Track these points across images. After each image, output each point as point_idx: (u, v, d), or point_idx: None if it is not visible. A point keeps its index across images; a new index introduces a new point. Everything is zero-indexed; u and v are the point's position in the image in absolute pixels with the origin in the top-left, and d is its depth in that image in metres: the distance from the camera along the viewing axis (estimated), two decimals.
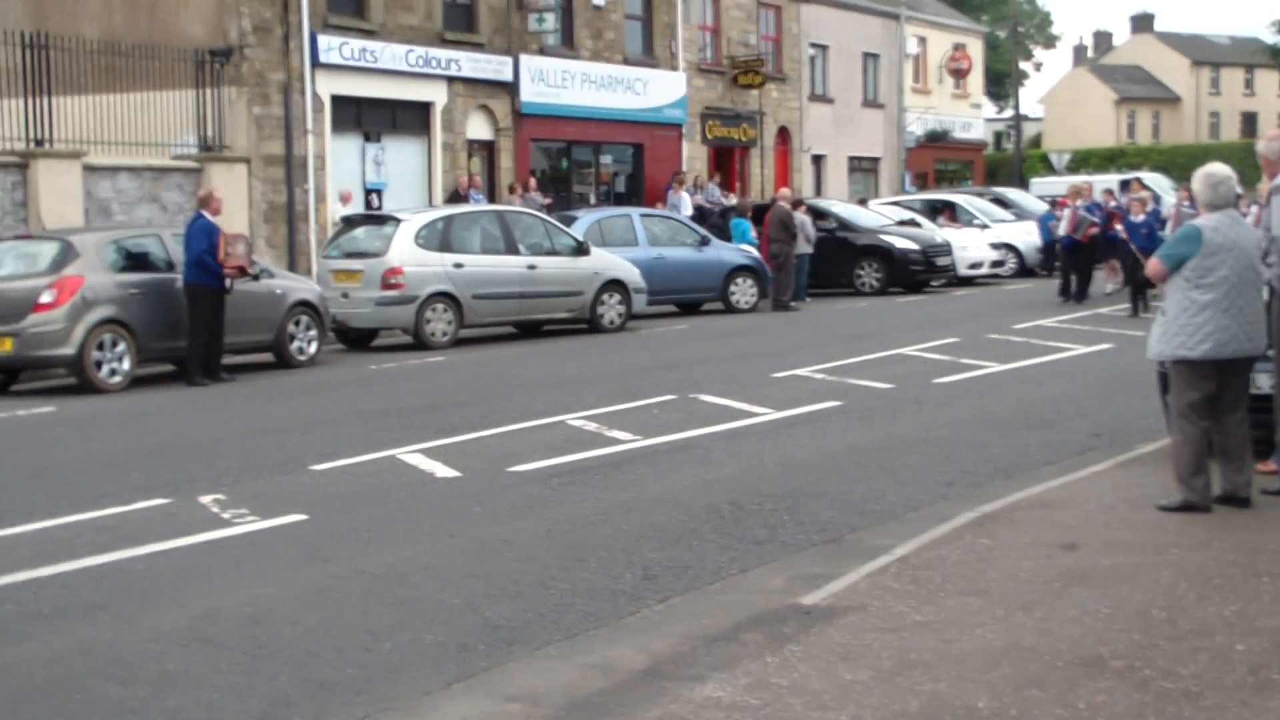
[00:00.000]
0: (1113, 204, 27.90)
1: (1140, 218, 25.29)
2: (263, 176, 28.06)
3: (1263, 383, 10.02)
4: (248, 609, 8.11)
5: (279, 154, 28.51)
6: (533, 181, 33.47)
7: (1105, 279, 28.93)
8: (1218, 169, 9.47)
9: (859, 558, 8.80)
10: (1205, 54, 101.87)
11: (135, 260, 18.88)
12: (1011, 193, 42.67)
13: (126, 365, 18.12)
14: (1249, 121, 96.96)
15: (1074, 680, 6.29)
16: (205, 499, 11.05)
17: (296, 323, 20.41)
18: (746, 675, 6.66)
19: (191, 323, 18.47)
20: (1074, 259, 27.80)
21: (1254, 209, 13.88)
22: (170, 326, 18.61)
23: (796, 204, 30.62)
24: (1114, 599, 7.45)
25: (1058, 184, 36.46)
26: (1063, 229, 27.96)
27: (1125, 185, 31.46)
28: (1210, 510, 9.22)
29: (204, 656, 7.32)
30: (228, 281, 18.66)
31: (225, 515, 10.48)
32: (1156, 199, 30.59)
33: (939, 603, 7.63)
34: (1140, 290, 24.16)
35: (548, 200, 32.69)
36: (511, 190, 32.29)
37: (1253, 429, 9.65)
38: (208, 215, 18.72)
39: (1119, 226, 25.98)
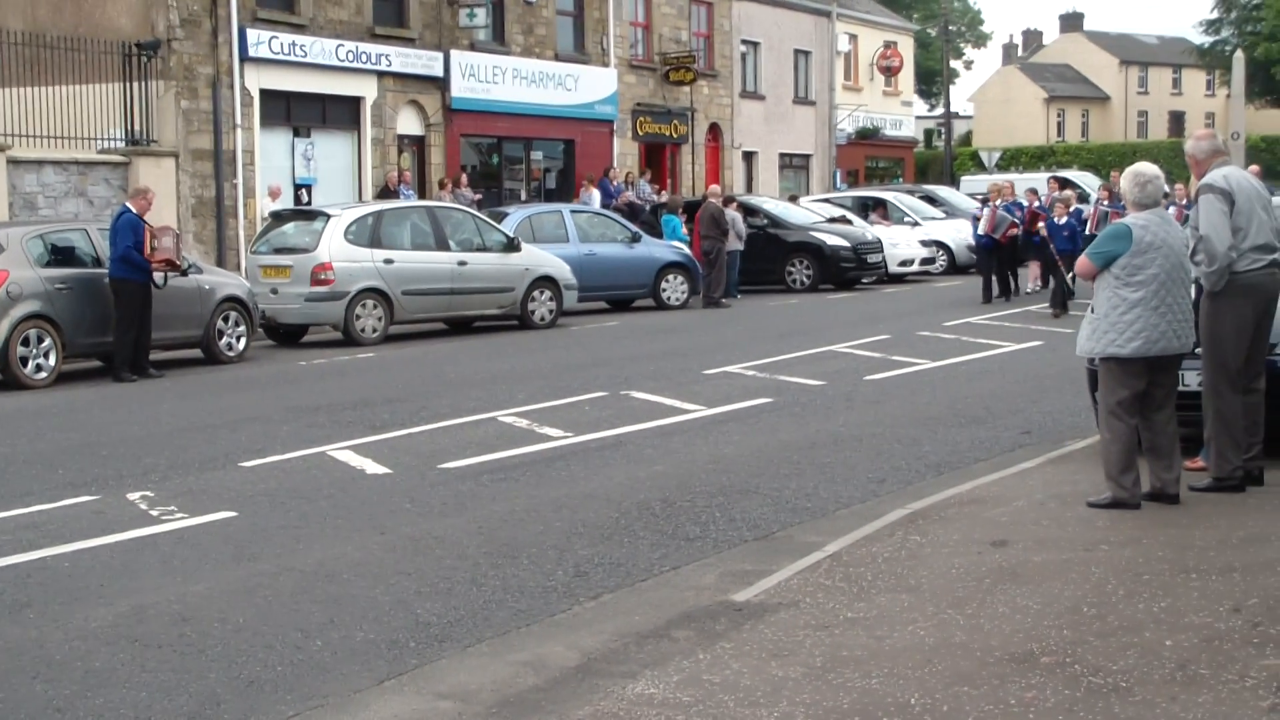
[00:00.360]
0: (1036, 204, 27.29)
1: (1063, 219, 25.11)
2: (191, 171, 27.84)
3: (1190, 380, 10.11)
4: (176, 607, 8.03)
5: (207, 148, 28.31)
6: (463, 177, 33.37)
7: (1029, 277, 28.60)
8: (1145, 168, 9.55)
9: (790, 555, 8.82)
10: (1134, 53, 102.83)
11: (61, 255, 18.66)
12: (942, 190, 42.95)
13: (52, 361, 17.91)
14: (1176, 120, 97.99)
15: (1005, 676, 6.32)
16: (133, 496, 10.94)
17: (225, 319, 20.25)
18: (678, 672, 6.66)
19: (118, 318, 18.27)
20: (993, 259, 27.39)
21: (1171, 208, 14.14)
22: (97, 322, 18.42)
23: (728, 201, 30.65)
24: (1044, 595, 7.49)
25: (987, 182, 36.63)
26: (981, 228, 27.60)
27: (1064, 184, 31.42)
28: (1139, 507, 9.29)
29: (132, 655, 7.24)
30: (158, 276, 18.49)
31: (153, 512, 10.38)
32: (1083, 198, 30.70)
33: (870, 600, 7.65)
34: (1063, 290, 23.98)
35: (477, 196, 32.62)
36: (442, 186, 32.16)
37: (1181, 426, 9.74)
38: (133, 209, 18.52)
39: (1041, 226, 25.61)
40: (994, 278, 27.29)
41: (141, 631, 7.62)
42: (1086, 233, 24.71)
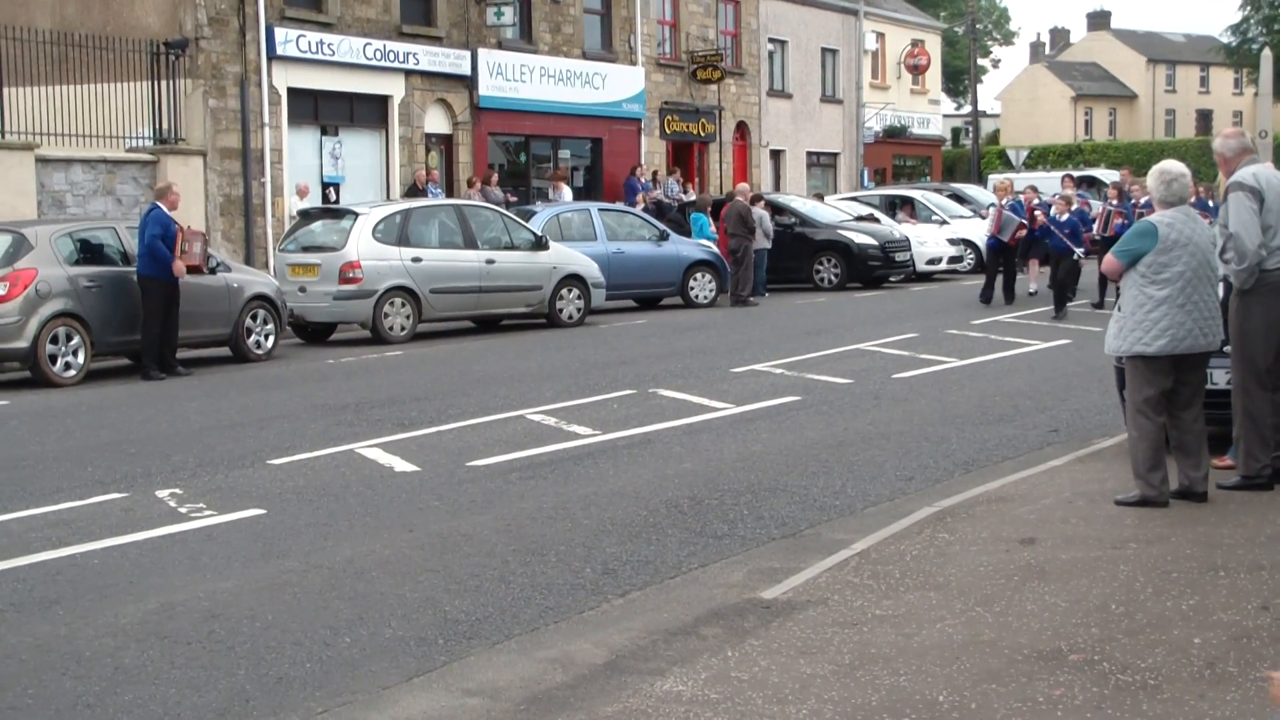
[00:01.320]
0: (1035, 201, 26.43)
1: (1064, 217, 24.52)
2: (219, 170, 27.93)
3: (1219, 378, 10.09)
4: (205, 604, 8.06)
5: (235, 147, 28.38)
6: (494, 176, 33.39)
7: (1030, 279, 27.69)
8: (1171, 166, 9.52)
9: (818, 552, 8.82)
10: (1161, 52, 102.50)
11: (90, 253, 18.75)
12: (969, 189, 42.82)
13: (81, 359, 17.99)
14: (1204, 119, 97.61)
15: (1032, 674, 6.31)
16: (162, 493, 10.99)
17: (253, 316, 20.31)
18: (706, 669, 6.66)
19: (147, 315, 18.35)
20: (999, 260, 26.45)
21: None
22: (126, 320, 18.50)
23: (755, 199, 30.63)
24: (1072, 593, 7.48)
25: (1016, 180, 36.48)
26: (987, 228, 26.96)
27: (1080, 181, 31.22)
28: (1167, 505, 9.27)
29: (161, 651, 7.28)
30: (177, 267, 18.45)
31: (182, 510, 10.42)
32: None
33: (898, 597, 7.65)
34: (1063, 291, 23.55)
35: (513, 198, 32.63)
36: (470, 184, 32.20)
37: (1209, 424, 9.72)
38: (163, 207, 18.59)
39: (1040, 216, 25.24)
40: (1000, 279, 26.43)
41: (170, 628, 7.65)
42: (1095, 233, 24.72)
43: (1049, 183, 30.78)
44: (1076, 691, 6.07)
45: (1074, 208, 25.13)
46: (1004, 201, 26.63)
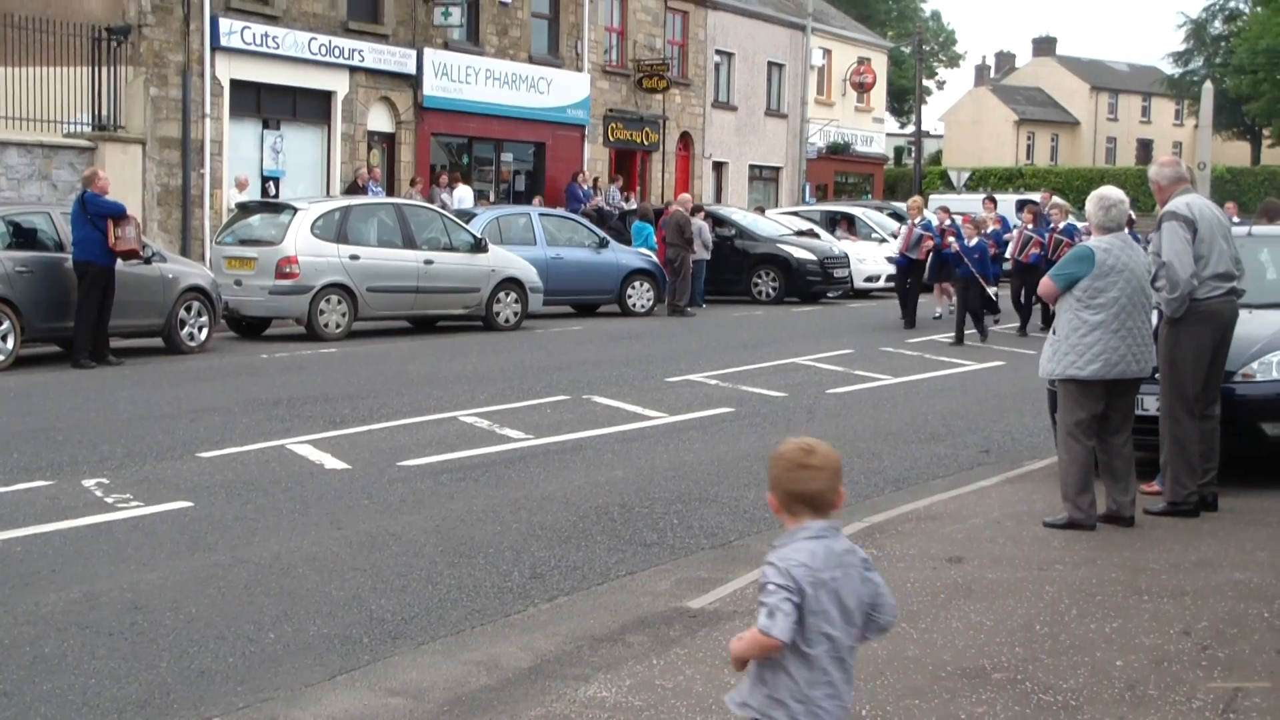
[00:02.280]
0: (947, 222, 25.32)
1: (974, 240, 23.62)
2: (158, 159, 27.72)
3: (1149, 404, 10.18)
4: (129, 595, 7.99)
5: (175, 137, 28.19)
6: (445, 176, 33.24)
7: (936, 302, 27.26)
8: (1111, 192, 9.61)
9: (747, 564, 8.83)
10: (1105, 80, 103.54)
11: (23, 238, 18.55)
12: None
13: (10, 344, 17.78)
14: (1145, 148, 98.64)
15: (956, 691, 6.34)
16: (88, 482, 10.88)
17: (188, 308, 20.15)
18: (631, 676, 6.66)
19: (80, 302, 18.17)
20: (909, 280, 26.04)
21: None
22: (58, 306, 18.31)
23: (695, 210, 30.66)
24: (998, 612, 7.53)
25: (957, 202, 36.58)
26: (898, 247, 26.31)
27: (1022, 205, 31.07)
28: (1095, 528, 9.35)
29: (82, 641, 7.20)
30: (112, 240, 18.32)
31: (108, 499, 10.33)
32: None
33: None
34: (975, 315, 22.79)
35: (484, 201, 32.44)
36: (413, 184, 32.10)
37: (1137, 450, 9.81)
38: (94, 192, 18.44)
39: (951, 241, 24.15)
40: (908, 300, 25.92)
41: (93, 618, 7.57)
42: (1009, 256, 24.28)
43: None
44: (999, 710, 6.11)
45: (989, 230, 24.71)
46: (916, 221, 25.95)
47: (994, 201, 29.58)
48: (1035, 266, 22.71)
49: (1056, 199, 29.75)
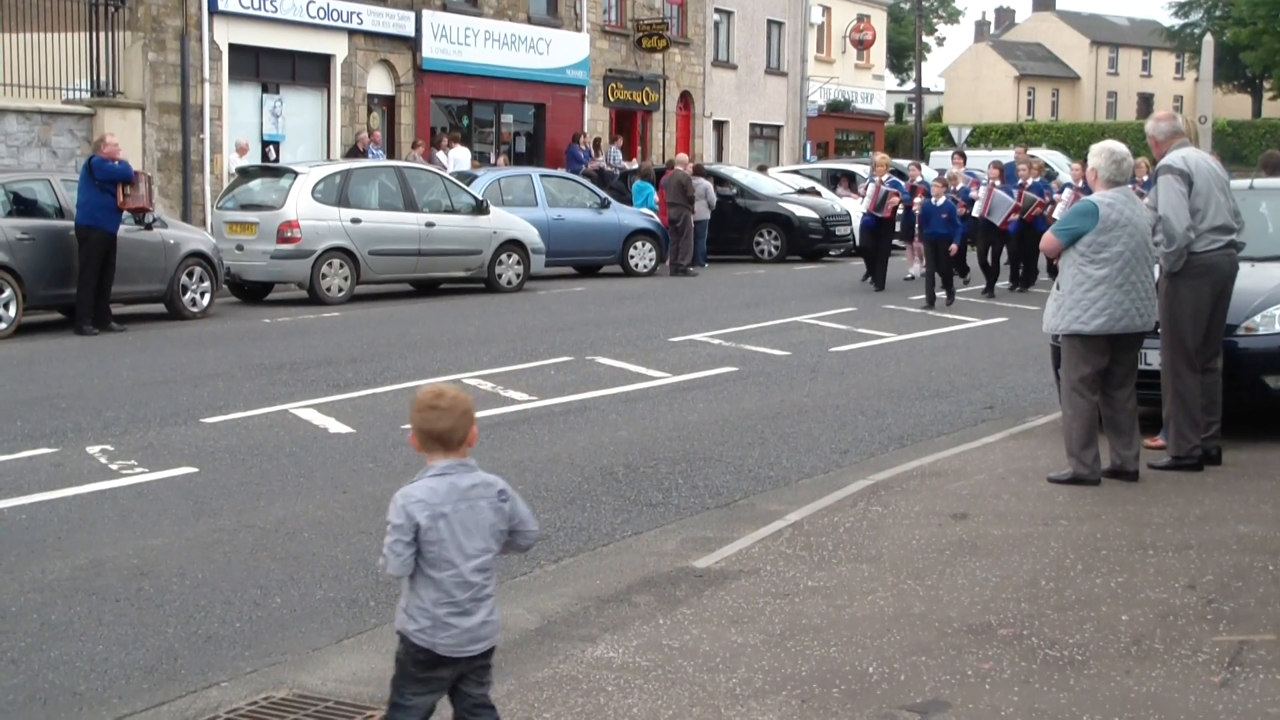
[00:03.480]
0: (918, 179, 24.85)
1: (940, 200, 22.12)
2: (157, 124, 27.63)
3: (1152, 359, 10.17)
4: (134, 561, 8.00)
5: (174, 102, 28.09)
6: (446, 138, 33.15)
7: (908, 262, 26.41)
8: (1119, 146, 9.60)
9: (752, 523, 8.85)
10: (1104, 34, 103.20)
11: (24, 205, 18.52)
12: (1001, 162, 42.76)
13: (12, 312, 17.76)
14: (1145, 102, 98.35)
15: (962, 647, 6.35)
16: (93, 449, 10.88)
17: (189, 274, 20.12)
18: (638, 637, 6.67)
19: (82, 268, 18.14)
20: (875, 239, 25.15)
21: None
22: (59, 274, 18.28)
23: (697, 170, 30.57)
24: (1003, 568, 7.53)
25: (974, 157, 36.28)
26: (864, 205, 25.10)
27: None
28: (1099, 483, 9.35)
29: (89, 608, 7.22)
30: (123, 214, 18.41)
31: (113, 466, 10.34)
32: (1050, 175, 29.71)
33: (831, 569, 7.68)
34: (945, 277, 21.78)
35: (476, 163, 32.32)
36: (414, 146, 32.02)
37: (1141, 404, 9.81)
38: (103, 158, 18.42)
39: (918, 202, 23.34)
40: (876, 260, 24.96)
41: (99, 585, 7.59)
42: (977, 214, 22.91)
43: (988, 161, 29.59)
44: (1005, 665, 6.12)
45: (959, 187, 23.60)
46: (883, 178, 24.93)
47: (964, 157, 29.08)
48: (996, 227, 22.68)
49: (1033, 153, 28.72)
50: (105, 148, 18.60)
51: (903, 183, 25.57)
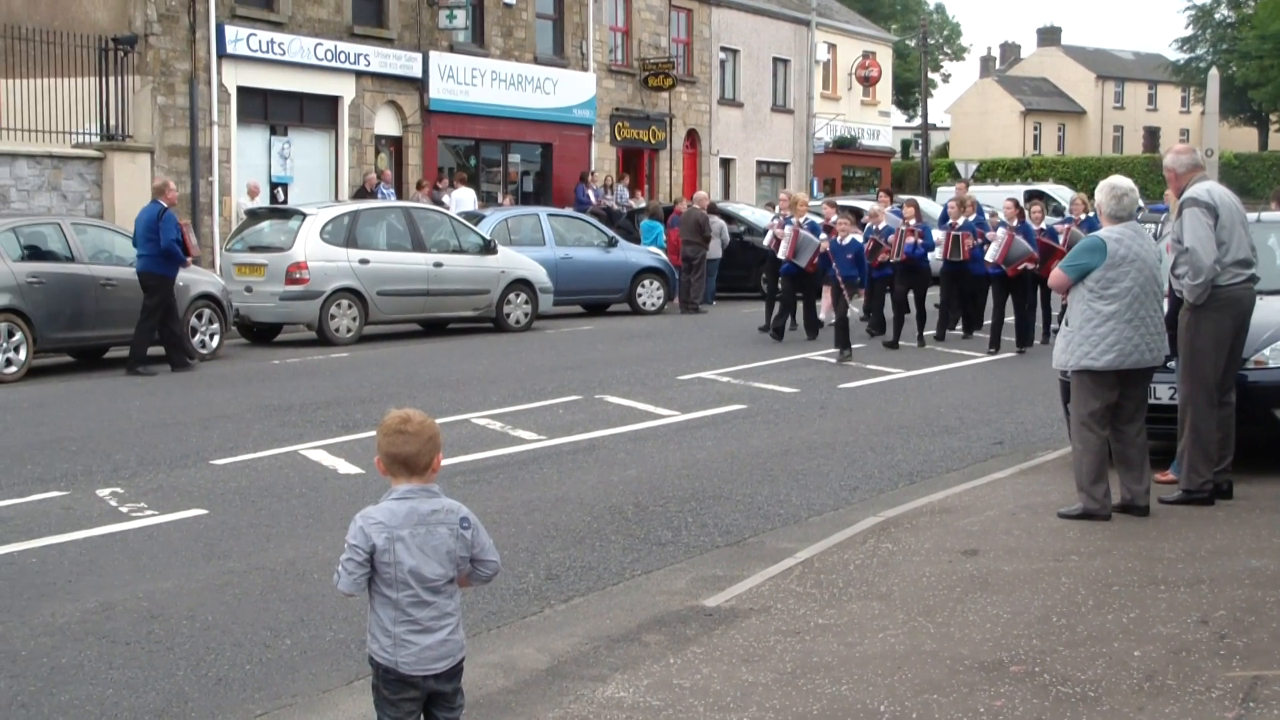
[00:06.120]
0: (834, 218, 21.87)
1: (846, 240, 20.42)
2: (166, 168, 27.72)
3: (1161, 393, 10.16)
4: (144, 604, 7.99)
5: (183, 145, 28.21)
6: (446, 178, 33.23)
7: (825, 308, 22.89)
8: (1122, 181, 9.59)
9: (762, 561, 8.83)
10: (1110, 68, 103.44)
11: (34, 249, 18.57)
12: (920, 201, 42.84)
13: (23, 355, 17.80)
14: (1151, 136, 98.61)
15: (974, 685, 6.33)
16: (103, 492, 10.89)
17: (199, 316, 20.17)
18: (648, 676, 6.65)
19: (145, 312, 18.45)
20: (795, 287, 22.27)
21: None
22: (71, 317, 18.36)
23: (710, 209, 30.60)
24: (1014, 605, 7.51)
25: (982, 193, 36.17)
26: (782, 251, 21.87)
27: (1030, 197, 29.82)
28: (1110, 518, 9.33)
29: (99, 651, 7.21)
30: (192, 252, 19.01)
31: (123, 509, 10.34)
32: (1057, 211, 29.44)
33: (841, 606, 7.66)
34: (841, 323, 19.47)
35: (481, 203, 32.39)
36: (419, 187, 32.11)
37: (1151, 439, 9.79)
38: (164, 204, 18.61)
39: (823, 240, 21.13)
40: (782, 305, 22.46)
41: (109, 628, 7.58)
42: (992, 259, 20.30)
43: (994, 196, 28.85)
44: (1017, 703, 6.10)
45: (882, 225, 21.54)
46: (801, 220, 22.12)
47: (889, 195, 27.79)
48: (917, 267, 21.16)
49: (970, 192, 25.91)
50: (169, 194, 18.88)
51: (818, 221, 23.04)
